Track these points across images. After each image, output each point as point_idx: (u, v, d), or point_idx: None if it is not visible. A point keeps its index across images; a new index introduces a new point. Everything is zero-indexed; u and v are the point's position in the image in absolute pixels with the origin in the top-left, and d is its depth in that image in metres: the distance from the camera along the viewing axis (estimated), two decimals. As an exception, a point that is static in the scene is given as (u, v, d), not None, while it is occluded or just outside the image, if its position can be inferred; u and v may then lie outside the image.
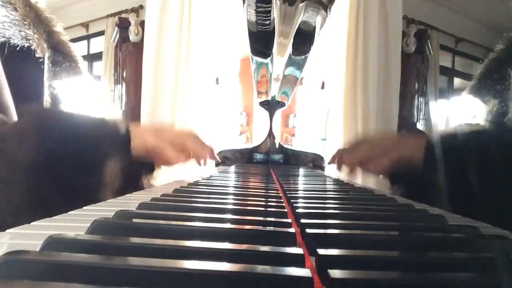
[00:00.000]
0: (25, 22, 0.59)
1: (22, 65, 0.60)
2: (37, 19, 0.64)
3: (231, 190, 0.42)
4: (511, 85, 0.61)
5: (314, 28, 0.61)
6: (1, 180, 0.40)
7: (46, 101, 0.65)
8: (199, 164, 0.59)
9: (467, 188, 0.41)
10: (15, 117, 0.54)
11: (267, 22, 0.57)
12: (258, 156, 1.15)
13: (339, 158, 0.60)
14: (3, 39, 0.54)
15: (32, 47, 0.59)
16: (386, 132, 0.57)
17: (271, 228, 0.22)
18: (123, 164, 0.50)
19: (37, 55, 0.61)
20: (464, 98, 0.73)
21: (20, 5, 0.60)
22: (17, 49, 0.57)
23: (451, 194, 0.42)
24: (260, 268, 0.14)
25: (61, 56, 0.69)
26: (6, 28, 0.55)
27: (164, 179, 0.58)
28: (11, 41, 0.55)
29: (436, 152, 0.46)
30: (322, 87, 2.10)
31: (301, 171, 0.91)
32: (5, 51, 0.55)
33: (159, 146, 0.53)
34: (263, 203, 0.32)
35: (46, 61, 0.64)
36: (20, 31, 0.57)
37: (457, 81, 3.17)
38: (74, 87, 0.74)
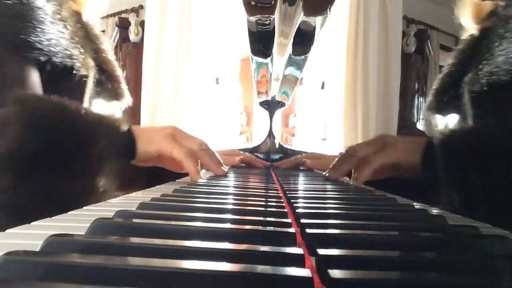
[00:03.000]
0: (73, 41, 0.57)
1: (62, 84, 0.57)
2: (86, 38, 0.63)
3: (231, 190, 0.42)
4: (464, 99, 0.60)
5: (314, 28, 0.61)
6: None
7: None
8: (215, 171, 0.57)
9: (468, 188, 0.40)
10: None
11: (267, 22, 0.57)
12: (258, 156, 1.15)
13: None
14: (46, 58, 0.52)
15: (75, 66, 0.56)
16: (376, 138, 0.56)
17: (271, 228, 0.22)
18: (122, 169, 0.47)
19: (81, 74, 0.58)
20: (425, 115, 0.73)
21: (71, 22, 0.59)
22: (59, 67, 0.54)
23: (455, 195, 0.42)
24: (260, 268, 0.14)
25: (105, 76, 0.68)
26: (51, 45, 0.52)
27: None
28: (53, 60, 0.53)
29: (435, 153, 0.45)
30: (322, 87, 2.10)
31: (301, 171, 0.91)
32: (46, 69, 0.53)
33: (176, 152, 0.50)
34: (263, 203, 0.32)
35: (91, 80, 0.62)
36: (65, 49, 0.54)
37: (457, 81, 3.17)
38: (114, 109, 0.72)
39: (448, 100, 0.65)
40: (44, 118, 0.41)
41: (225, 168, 0.59)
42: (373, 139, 0.56)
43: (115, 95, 0.71)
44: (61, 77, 0.56)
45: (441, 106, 0.67)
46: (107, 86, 0.69)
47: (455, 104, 0.63)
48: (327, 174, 0.59)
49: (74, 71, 0.56)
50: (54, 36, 0.53)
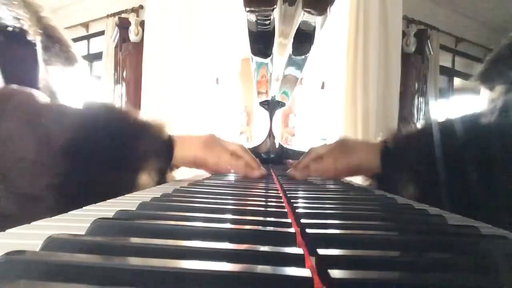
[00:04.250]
0: (14, 2, 0.57)
1: (15, 47, 0.58)
2: (24, 1, 0.62)
3: (231, 190, 0.42)
4: None
5: (314, 28, 0.61)
6: (32, 157, 0.41)
7: (43, 84, 0.63)
8: (250, 175, 0.59)
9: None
10: None
11: (267, 22, 0.57)
12: (258, 156, 1.15)
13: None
14: None
15: (24, 28, 0.58)
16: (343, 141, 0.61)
17: (271, 228, 0.22)
18: (160, 174, 0.52)
19: (29, 38, 0.59)
20: (472, 83, 0.72)
21: None
22: (10, 30, 0.55)
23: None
24: (260, 268, 0.14)
25: (51, 41, 0.67)
26: None
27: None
28: (2, 22, 0.54)
29: (390, 155, 0.50)
30: (322, 87, 2.09)
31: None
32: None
33: (211, 160, 0.55)
34: (263, 203, 0.32)
35: (39, 45, 0.62)
36: (10, 10, 0.55)
37: (457, 81, 3.17)
38: (68, 74, 0.71)
39: (503, 69, 0.65)
40: (103, 121, 0.48)
41: (262, 170, 0.60)
42: (335, 143, 0.60)
43: (67, 60, 0.71)
44: (13, 41, 0.57)
45: (493, 74, 0.68)
46: (56, 52, 0.68)
47: (508, 74, 0.64)
48: (290, 174, 0.61)
49: (24, 34, 0.57)
50: None
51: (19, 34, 0.57)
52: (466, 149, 0.44)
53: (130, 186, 0.47)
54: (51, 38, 0.67)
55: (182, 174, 0.61)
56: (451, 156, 0.44)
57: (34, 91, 0.48)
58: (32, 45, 0.61)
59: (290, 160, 1.06)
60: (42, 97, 0.48)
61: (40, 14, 0.66)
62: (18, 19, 0.56)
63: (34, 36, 0.61)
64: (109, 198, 0.32)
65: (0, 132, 0.42)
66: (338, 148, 0.58)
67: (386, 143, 0.55)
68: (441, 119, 0.51)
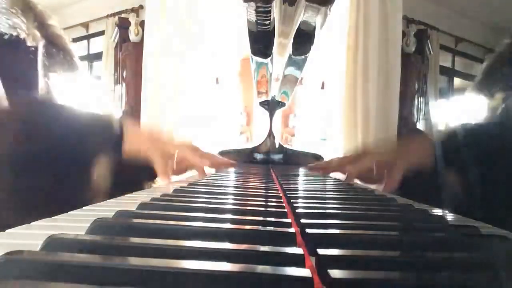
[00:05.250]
0: (13, 11, 0.58)
1: (11, 54, 0.59)
2: (25, 9, 0.62)
3: (231, 190, 0.42)
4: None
5: (314, 28, 0.61)
6: None
7: (42, 90, 0.64)
8: (202, 175, 0.59)
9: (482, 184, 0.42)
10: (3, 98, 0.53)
11: (267, 22, 0.57)
12: (258, 156, 1.15)
13: (334, 168, 0.60)
14: None
15: (21, 36, 0.58)
16: (386, 141, 0.58)
17: (271, 228, 0.22)
18: (114, 165, 0.49)
19: (29, 44, 0.60)
20: (468, 95, 0.73)
21: None
22: (5, 38, 0.55)
23: (472, 194, 0.43)
24: (260, 268, 0.14)
25: (55, 49, 0.68)
26: None
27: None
28: None
29: (444, 150, 0.47)
30: (322, 87, 2.09)
31: (301, 171, 0.91)
32: None
33: (151, 156, 0.53)
34: (263, 203, 0.32)
35: (40, 51, 0.63)
36: (7, 19, 0.56)
37: (457, 81, 3.17)
38: (69, 82, 0.72)
39: (499, 78, 0.65)
40: (41, 120, 0.44)
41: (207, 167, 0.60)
42: (384, 143, 0.57)
43: (69, 68, 0.72)
44: (8, 48, 0.57)
45: (490, 83, 0.67)
46: (59, 59, 0.69)
47: (504, 82, 0.63)
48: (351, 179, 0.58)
49: (20, 41, 0.58)
50: None
51: (16, 42, 0.57)
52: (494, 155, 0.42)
53: (84, 186, 0.45)
54: (56, 46, 0.68)
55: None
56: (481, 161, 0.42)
57: None
58: (32, 52, 0.61)
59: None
60: None
61: (46, 22, 0.67)
62: (15, 27, 0.57)
63: (35, 44, 0.61)
64: (68, 202, 0.30)
65: None
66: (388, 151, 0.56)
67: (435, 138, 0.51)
68: (493, 119, 0.49)
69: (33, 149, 0.41)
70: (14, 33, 0.57)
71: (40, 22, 0.65)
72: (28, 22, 0.61)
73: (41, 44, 0.63)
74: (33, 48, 0.61)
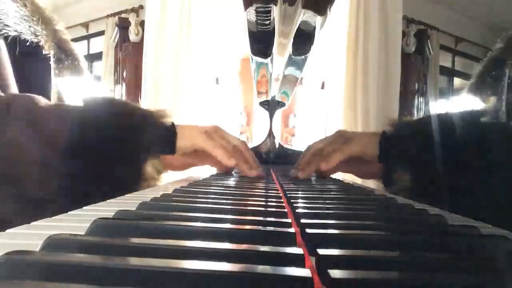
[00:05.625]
0: (34, 19, 0.60)
1: (31, 61, 0.61)
2: (43, 17, 0.65)
3: (231, 190, 0.42)
4: (507, 84, 0.62)
5: (314, 28, 0.61)
6: (40, 160, 0.41)
7: (54, 96, 0.66)
8: (246, 172, 0.59)
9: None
10: None
11: (267, 22, 0.57)
12: (258, 156, 1.15)
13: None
14: (15, 33, 0.56)
15: (41, 44, 0.60)
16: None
17: (271, 228, 0.22)
18: (166, 160, 0.52)
19: (44, 52, 0.62)
20: (463, 97, 0.73)
21: (28, 1, 0.62)
22: (27, 44, 0.58)
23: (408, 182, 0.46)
24: (260, 268, 0.14)
25: (64, 54, 0.70)
26: (17, 23, 0.56)
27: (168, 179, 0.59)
28: (22, 36, 0.57)
29: (389, 144, 0.50)
30: (322, 87, 2.09)
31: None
32: (17, 46, 0.56)
33: (210, 148, 0.54)
34: (263, 203, 0.32)
35: (52, 58, 0.66)
36: (30, 26, 0.58)
37: (457, 81, 3.17)
38: (75, 86, 0.74)
39: (491, 81, 0.66)
40: (103, 116, 0.48)
41: (259, 170, 0.60)
42: (333, 136, 0.59)
43: (76, 71, 0.74)
44: (30, 55, 0.59)
45: (483, 87, 0.68)
46: (67, 64, 0.71)
47: (496, 86, 0.64)
48: (293, 174, 0.60)
49: (40, 48, 0.60)
50: (17, 14, 0.56)
51: (36, 49, 0.60)
52: (466, 144, 0.44)
53: (137, 179, 0.48)
54: (65, 52, 0.71)
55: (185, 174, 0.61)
56: (450, 149, 0.44)
57: (33, 95, 0.48)
58: (47, 59, 0.65)
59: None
60: (41, 100, 0.49)
61: (55, 27, 0.69)
62: (37, 35, 0.59)
63: (49, 51, 0.64)
64: (118, 193, 0.33)
65: (5, 139, 0.42)
66: (338, 139, 0.57)
67: (385, 132, 0.54)
68: (442, 112, 0.52)
69: (89, 141, 0.45)
70: (35, 40, 0.59)
71: (52, 29, 0.67)
72: (46, 29, 0.63)
73: (53, 51, 0.65)
74: (48, 55, 0.64)
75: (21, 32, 0.57)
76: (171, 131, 0.53)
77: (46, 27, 0.64)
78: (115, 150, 0.47)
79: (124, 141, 0.48)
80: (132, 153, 0.48)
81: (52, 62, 0.66)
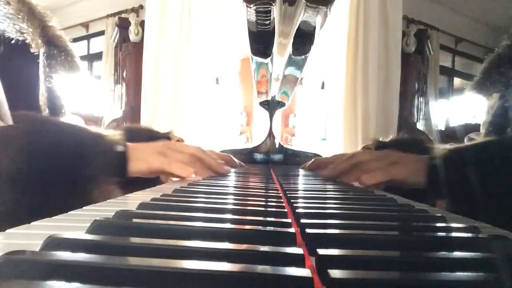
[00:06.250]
0: (19, 16, 0.58)
1: (17, 59, 0.59)
2: (30, 14, 0.63)
3: (231, 190, 0.42)
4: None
5: (314, 28, 0.61)
6: None
7: (43, 95, 0.64)
8: (221, 173, 0.59)
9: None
10: (8, 113, 0.53)
11: (267, 22, 0.58)
12: (258, 156, 1.15)
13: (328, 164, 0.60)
14: None
15: (27, 41, 0.59)
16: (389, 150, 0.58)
17: (271, 228, 0.22)
18: (118, 184, 0.50)
19: (31, 50, 0.60)
20: (467, 94, 0.73)
21: (10, 0, 0.59)
22: (12, 43, 0.56)
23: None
24: (260, 268, 0.14)
25: (57, 50, 0.68)
26: (0, 21, 0.54)
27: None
28: (6, 35, 0.55)
29: (439, 177, 0.47)
30: (322, 87, 2.10)
31: (301, 171, 0.91)
32: (1, 44, 0.55)
33: (166, 166, 0.53)
34: (263, 203, 0.32)
35: (41, 56, 0.64)
36: (14, 24, 0.56)
37: (457, 81, 3.18)
38: (70, 82, 0.73)
39: (497, 78, 0.65)
40: (45, 139, 0.44)
41: (226, 169, 0.60)
42: (381, 153, 0.58)
43: (71, 69, 0.72)
44: (15, 53, 0.57)
45: (487, 84, 0.67)
46: (60, 60, 0.69)
47: (502, 83, 0.63)
48: (326, 176, 0.59)
49: (26, 47, 0.58)
50: (0, 12, 0.54)
51: (22, 47, 0.58)
52: None
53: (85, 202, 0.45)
54: (58, 48, 0.68)
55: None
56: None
57: None
58: (35, 57, 0.62)
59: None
60: None
61: (47, 24, 0.67)
62: (22, 32, 0.57)
63: (37, 49, 0.62)
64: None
65: None
66: (385, 159, 0.55)
67: (433, 159, 0.51)
68: (496, 138, 0.49)
69: (34, 167, 0.42)
70: (21, 38, 0.57)
71: (43, 26, 0.66)
72: (33, 27, 0.61)
73: (42, 50, 0.63)
74: (36, 53, 0.62)
75: (4, 30, 0.55)
76: (121, 157, 0.51)
77: (33, 24, 0.61)
78: (59, 179, 0.44)
79: (69, 172, 0.45)
80: (77, 183, 0.46)
81: (42, 60, 0.64)
